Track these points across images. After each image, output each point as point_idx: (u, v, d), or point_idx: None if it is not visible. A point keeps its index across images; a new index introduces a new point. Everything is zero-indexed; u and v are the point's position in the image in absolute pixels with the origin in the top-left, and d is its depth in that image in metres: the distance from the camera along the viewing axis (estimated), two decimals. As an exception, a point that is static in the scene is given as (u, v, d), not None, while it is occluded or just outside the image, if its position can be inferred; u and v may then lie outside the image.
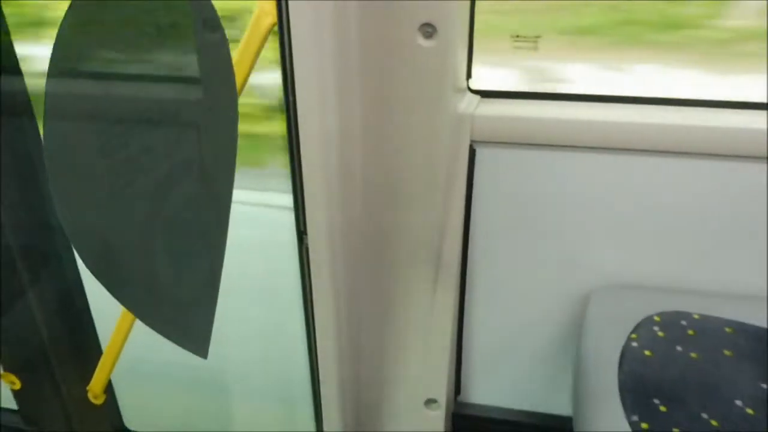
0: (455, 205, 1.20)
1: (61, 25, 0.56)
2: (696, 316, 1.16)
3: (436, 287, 1.24)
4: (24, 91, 1.31)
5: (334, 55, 1.00)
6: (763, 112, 1.14)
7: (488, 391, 1.53)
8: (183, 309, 0.75)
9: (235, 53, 1.13)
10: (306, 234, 1.10)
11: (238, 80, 1.08)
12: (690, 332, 1.13)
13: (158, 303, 0.72)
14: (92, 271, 0.62)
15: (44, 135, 0.56)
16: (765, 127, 1.10)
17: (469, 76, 1.18)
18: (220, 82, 0.81)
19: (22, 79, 1.30)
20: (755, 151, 1.12)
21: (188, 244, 0.75)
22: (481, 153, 1.21)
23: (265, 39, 1.11)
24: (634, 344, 1.11)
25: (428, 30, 1.02)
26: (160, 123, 0.70)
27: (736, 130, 1.12)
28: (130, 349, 1.27)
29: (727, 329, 1.13)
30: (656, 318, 1.16)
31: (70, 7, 0.56)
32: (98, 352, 1.57)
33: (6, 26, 1.26)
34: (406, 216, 1.17)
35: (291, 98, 1.01)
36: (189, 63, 0.75)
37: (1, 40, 1.20)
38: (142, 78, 0.69)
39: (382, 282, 1.23)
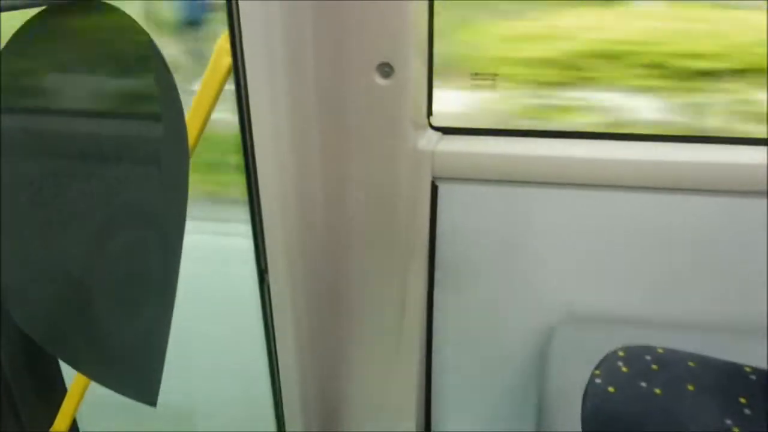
0: (419, 242, 1.20)
1: (5, 49, 0.55)
2: (660, 350, 1.16)
3: (402, 324, 1.24)
4: None
5: (290, 96, 1.01)
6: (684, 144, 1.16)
7: (457, 426, 1.52)
8: (129, 360, 0.74)
9: (196, 94, 1.14)
10: (267, 272, 1.09)
11: (198, 120, 1.08)
12: (654, 367, 1.13)
13: (101, 356, 0.70)
14: (24, 326, 0.61)
15: None
16: (694, 159, 1.12)
17: (429, 113, 1.19)
18: (169, 120, 0.81)
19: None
20: (716, 184, 1.14)
21: (134, 291, 0.74)
22: (444, 189, 1.21)
23: (225, 79, 1.12)
24: (598, 380, 1.10)
25: (386, 69, 1.03)
26: (104, 161, 0.69)
27: (690, 164, 1.13)
28: (95, 386, 1.24)
29: (690, 363, 1.13)
30: (620, 353, 1.16)
31: (18, 32, 0.56)
32: (63, 389, 1.54)
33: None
34: (369, 254, 1.17)
35: (248, 138, 1.01)
36: (136, 98, 0.74)
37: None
38: (84, 113, 0.68)
39: (346, 321, 1.22)
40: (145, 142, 0.74)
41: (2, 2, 0.48)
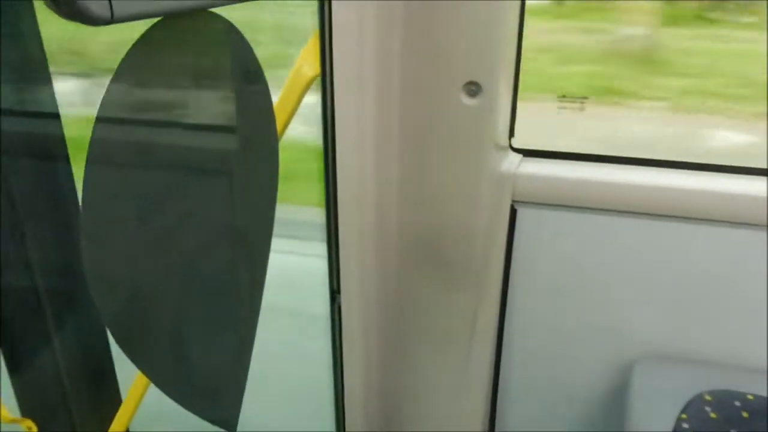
0: (494, 266, 1.15)
1: (116, 72, 0.54)
2: (750, 397, 1.09)
3: (472, 351, 1.19)
4: (61, 135, 1.31)
5: (374, 112, 0.98)
6: None
7: None
8: (211, 381, 0.71)
9: (276, 104, 1.12)
10: (339, 293, 1.06)
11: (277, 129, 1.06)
12: (744, 414, 1.05)
13: (184, 374, 0.68)
14: (113, 334, 0.59)
15: (84, 181, 0.53)
16: None
17: (511, 134, 1.15)
18: (261, 134, 0.79)
19: (60, 123, 1.30)
20: None
21: (224, 311, 0.72)
22: (522, 213, 1.16)
23: (305, 91, 1.10)
24: (685, 425, 1.03)
25: (472, 88, 1.00)
26: (205, 174, 0.67)
27: None
28: (150, 399, 1.23)
29: None
30: (707, 397, 1.09)
31: (126, 56, 0.54)
32: (118, 400, 1.54)
33: (47, 66, 1.26)
34: (444, 276, 1.13)
35: (330, 155, 0.99)
36: (233, 113, 0.72)
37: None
38: (189, 127, 0.66)
39: (416, 345, 1.18)
40: (240, 157, 0.72)
41: (116, 12, 0.45)
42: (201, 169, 0.65)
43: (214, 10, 0.61)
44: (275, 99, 1.11)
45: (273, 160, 0.77)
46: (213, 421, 0.72)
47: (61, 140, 1.32)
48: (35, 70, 1.24)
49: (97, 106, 0.53)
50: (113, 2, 0.45)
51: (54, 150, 1.32)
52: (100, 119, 0.53)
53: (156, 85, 0.56)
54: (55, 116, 1.30)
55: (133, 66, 0.52)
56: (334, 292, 1.06)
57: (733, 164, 1.15)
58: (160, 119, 0.58)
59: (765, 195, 1.07)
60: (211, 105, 0.66)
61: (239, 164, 0.72)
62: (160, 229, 0.60)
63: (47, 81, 1.27)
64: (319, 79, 1.00)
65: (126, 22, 0.49)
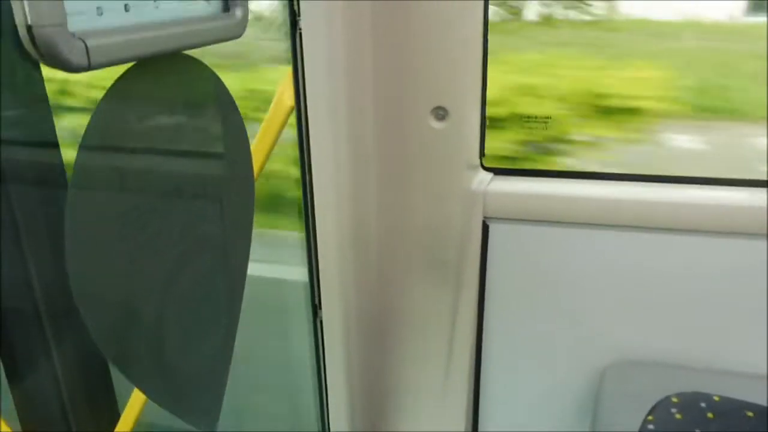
0: (469, 281, 1.21)
1: (103, 99, 0.61)
2: (716, 398, 1.13)
3: (450, 364, 1.24)
4: (59, 162, 1.38)
5: (348, 138, 1.05)
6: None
7: None
8: (192, 385, 0.77)
9: (257, 135, 1.19)
10: (320, 308, 1.12)
11: (259, 160, 1.13)
12: (709, 415, 1.10)
13: (167, 379, 0.74)
14: (99, 344, 0.65)
15: (67, 204, 0.60)
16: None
17: (482, 153, 1.21)
18: (236, 162, 0.85)
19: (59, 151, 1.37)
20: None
21: (202, 320, 0.78)
22: (495, 229, 1.22)
23: (285, 120, 1.17)
24: (651, 427, 1.08)
25: (440, 113, 1.07)
26: (182, 197, 0.74)
27: (734, 207, 1.12)
28: (147, 413, 1.28)
29: (748, 413, 1.10)
30: (674, 399, 1.14)
31: (113, 85, 0.61)
32: (117, 414, 1.58)
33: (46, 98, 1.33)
34: (421, 291, 1.19)
35: (308, 178, 1.05)
36: (212, 140, 0.79)
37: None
38: (169, 153, 0.73)
39: (396, 358, 1.23)
40: (216, 179, 0.79)
41: (93, 60, 0.53)
42: (179, 194, 0.72)
43: (186, 52, 0.68)
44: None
45: (248, 184, 0.84)
46: (194, 424, 0.78)
47: (60, 166, 1.39)
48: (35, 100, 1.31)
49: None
50: (90, 52, 0.52)
51: (53, 174, 1.39)
52: (82, 149, 0.60)
53: (132, 122, 0.63)
54: (54, 144, 1.37)
55: (110, 107, 0.59)
56: (316, 307, 1.12)
57: (694, 176, 1.21)
58: (139, 149, 0.65)
59: (726, 203, 1.13)
60: (187, 137, 0.73)
61: (213, 187, 0.78)
62: (144, 246, 0.67)
63: (47, 111, 1.34)
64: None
65: (103, 68, 0.56)
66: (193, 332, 0.77)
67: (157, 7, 0.62)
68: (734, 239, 1.14)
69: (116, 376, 1.59)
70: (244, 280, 0.83)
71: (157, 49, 0.61)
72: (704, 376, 1.20)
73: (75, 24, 0.52)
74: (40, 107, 1.32)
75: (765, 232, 1.12)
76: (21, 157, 1.32)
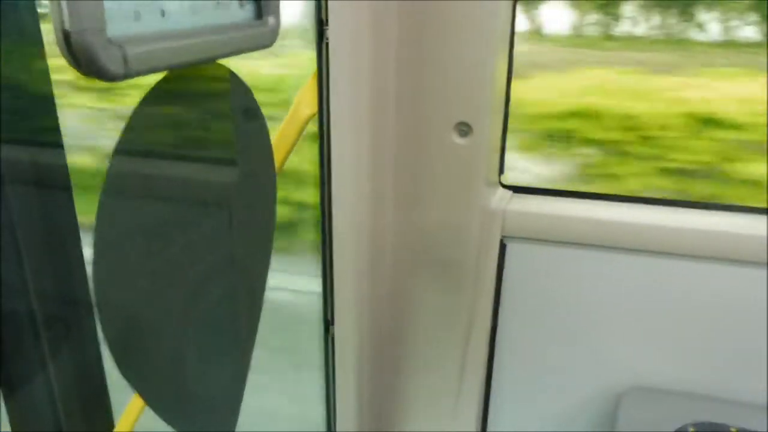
0: (484, 300, 1.18)
1: (138, 107, 0.58)
2: (733, 430, 1.11)
3: (462, 383, 1.21)
4: (64, 165, 1.34)
5: (369, 149, 1.02)
6: None
7: None
8: (206, 407, 0.74)
9: (273, 142, 1.16)
10: (333, 324, 1.09)
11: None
12: None
13: (180, 399, 0.70)
14: (114, 356, 0.62)
15: (98, 211, 0.57)
16: None
17: (501, 171, 1.19)
18: (261, 169, 0.82)
19: (63, 153, 1.33)
20: None
21: (221, 338, 0.75)
22: (512, 248, 1.20)
23: (303, 128, 1.14)
24: None
25: (463, 129, 1.04)
26: (210, 210, 0.71)
27: (758, 236, 1.10)
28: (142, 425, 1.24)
29: None
30: (691, 429, 1.11)
31: (149, 93, 0.58)
32: (111, 425, 1.54)
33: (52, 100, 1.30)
34: (435, 308, 1.16)
35: (327, 192, 1.02)
36: (241, 152, 0.76)
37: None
38: (199, 163, 0.70)
39: (408, 378, 1.20)
40: (245, 192, 0.76)
41: (131, 69, 0.50)
42: (204, 203, 0.69)
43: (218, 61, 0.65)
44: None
45: (271, 193, 0.81)
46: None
47: (64, 169, 1.35)
48: (39, 98, 1.28)
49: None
50: (128, 60, 0.49)
51: (55, 178, 1.35)
52: (115, 156, 0.57)
53: (165, 128, 0.60)
54: (59, 145, 1.33)
55: (144, 115, 0.56)
56: (328, 323, 1.09)
57: (718, 202, 1.19)
58: (168, 156, 0.62)
59: (748, 232, 1.11)
60: (215, 144, 0.70)
61: (240, 198, 0.75)
62: (165, 259, 0.64)
63: (52, 109, 1.30)
64: (316, 117, 1.04)
65: (139, 76, 0.52)
66: (210, 351, 0.74)
67: (194, 13, 0.59)
68: (758, 268, 1.12)
69: (112, 386, 1.55)
70: (263, 298, 0.80)
71: (192, 57, 0.58)
72: (721, 406, 1.18)
73: (112, 29, 0.49)
74: (46, 107, 1.29)
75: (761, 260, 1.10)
76: (23, 157, 1.28)
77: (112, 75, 0.48)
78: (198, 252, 0.67)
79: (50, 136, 1.30)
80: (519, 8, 1.08)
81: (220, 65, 0.67)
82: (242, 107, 0.73)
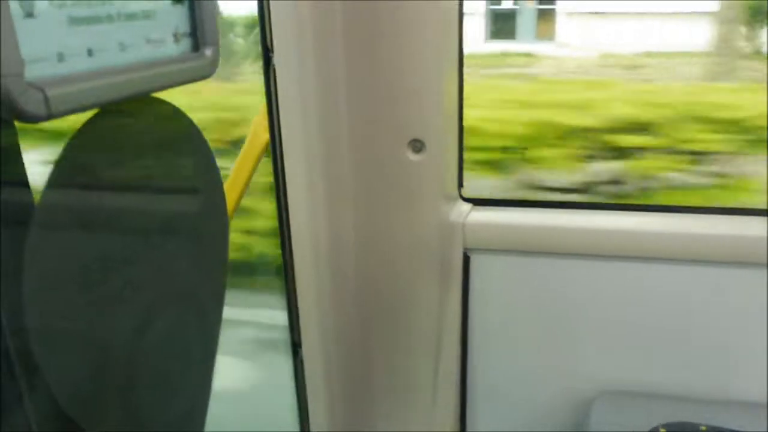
0: (451, 312, 1.19)
1: (67, 146, 0.59)
2: (703, 428, 1.12)
3: (436, 396, 1.22)
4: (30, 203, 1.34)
5: (324, 173, 1.03)
6: (762, 219, 1.14)
7: None
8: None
9: (232, 169, 1.17)
10: (300, 347, 1.09)
11: (234, 192, 1.11)
12: None
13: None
14: (63, 404, 0.62)
15: (27, 247, 0.57)
16: (764, 233, 1.10)
17: (460, 185, 1.20)
18: (211, 199, 0.83)
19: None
20: (755, 258, 1.12)
21: (173, 373, 0.75)
22: (476, 260, 1.21)
23: (262, 153, 1.15)
24: None
25: (417, 145, 1.06)
26: (153, 242, 0.71)
27: (735, 237, 1.12)
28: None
29: None
30: (662, 430, 1.12)
31: (77, 132, 0.59)
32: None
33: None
34: (402, 324, 1.17)
35: (284, 214, 1.03)
36: (183, 182, 0.77)
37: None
38: (139, 197, 0.70)
39: (380, 394, 1.21)
40: (189, 222, 0.76)
41: (53, 109, 0.51)
42: (150, 239, 0.69)
43: (154, 94, 0.66)
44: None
45: (222, 225, 0.81)
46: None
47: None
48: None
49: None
50: (49, 101, 0.50)
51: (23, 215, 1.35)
52: (46, 193, 0.57)
53: (99, 167, 0.61)
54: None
55: (76, 154, 0.57)
56: (296, 346, 1.09)
57: (676, 205, 1.21)
58: (107, 193, 0.63)
59: (706, 232, 1.13)
60: (157, 180, 0.71)
61: (184, 227, 0.76)
62: (109, 297, 0.64)
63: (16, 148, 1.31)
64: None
65: (66, 116, 0.53)
66: (165, 384, 0.74)
67: (123, 50, 0.60)
68: (719, 268, 1.13)
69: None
70: (219, 326, 0.80)
71: (122, 94, 0.59)
72: (691, 405, 1.19)
73: (34, 71, 0.50)
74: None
75: (751, 260, 1.12)
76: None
77: (33, 117, 0.49)
78: (143, 288, 0.68)
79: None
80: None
81: (159, 99, 0.68)
82: (184, 139, 0.74)
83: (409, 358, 1.19)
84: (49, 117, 0.50)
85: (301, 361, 1.10)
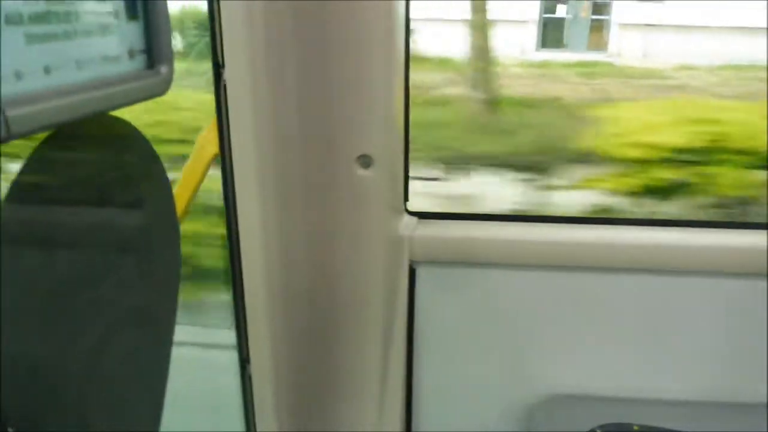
0: (397, 323, 1.21)
1: (24, 167, 0.58)
2: (636, 428, 1.18)
3: (383, 404, 1.23)
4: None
5: (274, 188, 1.03)
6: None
7: None
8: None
9: (178, 182, 1.15)
10: (249, 362, 1.08)
11: (180, 206, 1.09)
12: None
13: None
14: (10, 414, 0.60)
15: None
16: (665, 241, 1.18)
17: (406, 199, 1.23)
18: (162, 218, 0.82)
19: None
20: (687, 264, 1.19)
21: (126, 392, 0.73)
22: (421, 272, 1.24)
23: (207, 167, 1.14)
24: None
25: (365, 160, 1.07)
26: (107, 258, 0.70)
27: (644, 246, 1.19)
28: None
29: None
30: (597, 431, 1.18)
31: (33, 153, 0.58)
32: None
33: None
34: (350, 337, 1.18)
35: (234, 227, 1.03)
36: (137, 199, 0.76)
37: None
38: (94, 214, 0.69)
39: (328, 405, 1.21)
40: (141, 237, 0.75)
41: (13, 131, 0.50)
42: (104, 256, 0.68)
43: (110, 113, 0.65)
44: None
45: (174, 236, 0.81)
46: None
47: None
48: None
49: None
50: (9, 122, 0.48)
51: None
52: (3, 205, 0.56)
53: (55, 186, 0.60)
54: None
55: (31, 174, 0.56)
56: (244, 361, 1.09)
57: (611, 217, 1.28)
58: (63, 211, 0.62)
59: (642, 243, 1.20)
60: (111, 197, 0.70)
61: (138, 245, 0.75)
62: (68, 317, 0.63)
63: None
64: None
65: (25, 137, 0.52)
66: (117, 403, 0.73)
67: (79, 68, 0.59)
68: (650, 275, 1.20)
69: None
70: (171, 345, 0.79)
71: (79, 112, 0.58)
72: (629, 406, 1.25)
73: (-7, 90, 0.49)
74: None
75: (667, 268, 1.19)
76: None
77: (-8, 138, 0.48)
78: (92, 302, 0.67)
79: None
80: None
81: (113, 117, 0.67)
82: (137, 155, 0.73)
83: (356, 369, 1.20)
84: (10, 138, 0.49)
85: (249, 377, 1.09)
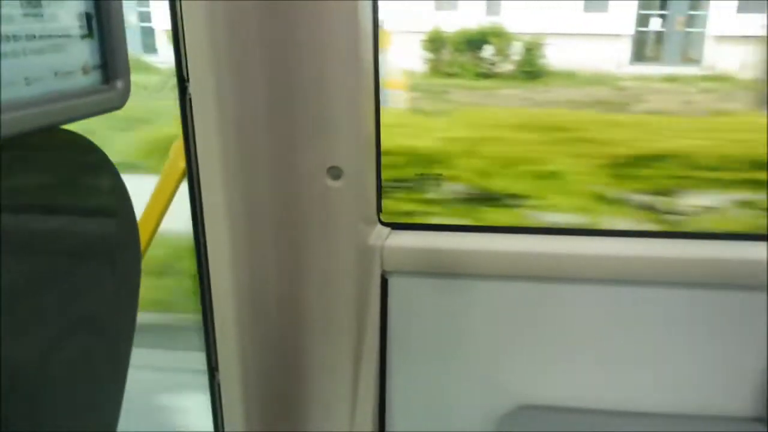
0: (369, 334, 1.22)
1: None
2: None
3: (355, 413, 1.24)
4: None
5: (243, 201, 1.05)
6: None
7: None
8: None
9: (150, 198, 1.17)
10: (217, 370, 1.10)
11: (151, 221, 1.11)
12: None
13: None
14: None
15: None
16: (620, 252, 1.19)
17: (379, 209, 1.24)
18: (122, 227, 0.83)
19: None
20: (657, 275, 1.20)
21: (80, 400, 0.75)
22: (393, 282, 1.25)
23: (179, 182, 1.16)
24: None
25: (335, 172, 1.09)
26: (61, 271, 0.71)
27: (608, 257, 1.20)
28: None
29: None
30: None
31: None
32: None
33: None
34: (322, 347, 1.19)
35: (202, 239, 1.04)
36: (93, 212, 0.77)
37: None
38: (47, 227, 0.70)
39: (299, 414, 1.22)
40: (97, 249, 0.76)
41: None
42: (58, 269, 0.69)
43: (64, 126, 0.67)
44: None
45: (134, 253, 0.82)
46: None
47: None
48: None
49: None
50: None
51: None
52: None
53: (6, 194, 0.61)
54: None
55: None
56: (213, 370, 1.10)
57: (578, 227, 1.29)
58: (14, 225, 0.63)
59: (604, 253, 1.20)
60: (65, 210, 0.71)
61: (97, 259, 0.76)
62: (24, 317, 0.64)
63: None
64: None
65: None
66: (71, 410, 0.74)
67: (29, 84, 0.61)
68: (618, 286, 1.21)
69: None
70: (129, 357, 0.81)
71: (27, 127, 0.60)
72: (597, 417, 1.25)
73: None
74: None
75: (634, 279, 1.20)
76: None
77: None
78: (46, 311, 0.68)
79: None
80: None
81: (66, 131, 0.69)
82: (93, 169, 0.75)
83: (328, 380, 1.21)
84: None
85: (218, 386, 1.11)
